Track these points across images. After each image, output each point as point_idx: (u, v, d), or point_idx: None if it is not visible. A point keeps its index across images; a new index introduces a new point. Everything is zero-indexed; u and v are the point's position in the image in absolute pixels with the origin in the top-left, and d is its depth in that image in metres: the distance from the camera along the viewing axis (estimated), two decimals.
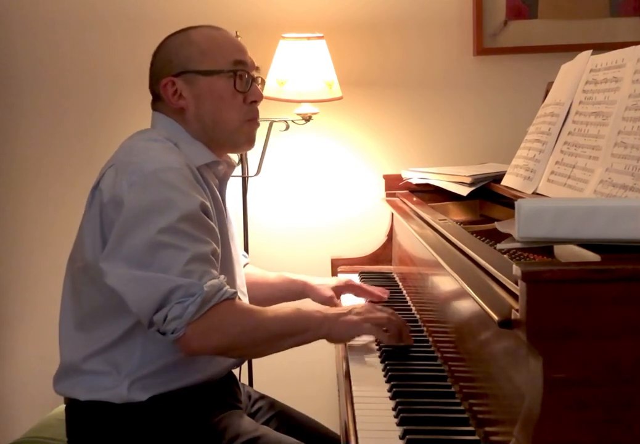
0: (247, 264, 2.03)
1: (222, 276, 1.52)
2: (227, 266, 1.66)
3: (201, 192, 1.58)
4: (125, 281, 1.48)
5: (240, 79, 1.67)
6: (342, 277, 2.12)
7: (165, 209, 1.49)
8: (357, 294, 2.03)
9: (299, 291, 2.01)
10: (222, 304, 1.48)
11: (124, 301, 1.51)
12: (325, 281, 2.05)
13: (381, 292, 2.01)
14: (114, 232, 1.51)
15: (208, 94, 1.65)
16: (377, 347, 1.66)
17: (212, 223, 1.57)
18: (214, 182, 1.69)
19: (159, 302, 1.45)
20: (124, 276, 1.48)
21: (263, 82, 1.77)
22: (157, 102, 1.71)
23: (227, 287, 1.51)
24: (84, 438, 1.63)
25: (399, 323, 1.63)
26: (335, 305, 1.95)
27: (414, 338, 1.65)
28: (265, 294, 1.99)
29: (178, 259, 1.46)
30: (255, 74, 1.71)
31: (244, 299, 1.79)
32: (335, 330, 1.57)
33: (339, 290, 2.02)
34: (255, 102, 1.70)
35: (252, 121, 1.71)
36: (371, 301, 1.93)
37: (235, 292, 1.52)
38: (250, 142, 1.72)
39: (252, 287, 1.92)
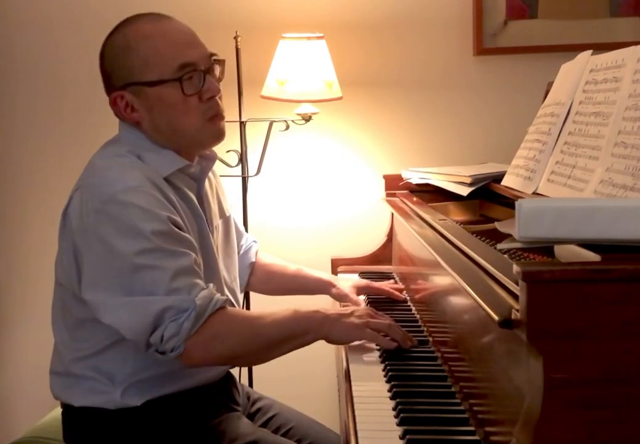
0: (252, 247, 2.03)
1: (211, 284, 1.51)
2: (209, 269, 1.64)
3: (166, 206, 1.52)
4: (113, 310, 1.46)
5: (189, 81, 1.57)
6: (362, 280, 2.15)
7: (134, 232, 1.46)
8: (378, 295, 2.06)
9: (317, 287, 2.03)
10: (217, 314, 1.48)
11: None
12: (346, 279, 2.09)
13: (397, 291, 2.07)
14: (89, 263, 1.49)
15: (158, 104, 1.57)
16: (377, 347, 1.66)
17: (185, 234, 1.53)
18: (187, 185, 1.64)
19: (152, 324, 1.44)
20: (111, 306, 1.46)
21: (222, 63, 1.65)
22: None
23: (218, 295, 1.50)
24: (80, 441, 1.62)
25: (400, 330, 1.63)
26: (353, 301, 1.97)
27: (414, 338, 1.65)
28: (282, 285, 2.02)
29: (161, 279, 1.45)
30: (210, 62, 1.60)
31: (235, 297, 1.79)
32: (336, 331, 1.57)
33: (359, 291, 2.04)
34: (213, 97, 1.60)
35: (215, 118, 1.61)
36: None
37: (226, 300, 1.51)
38: (218, 137, 1.63)
39: (270, 277, 1.96)
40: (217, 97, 1.61)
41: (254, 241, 2.04)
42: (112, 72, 1.61)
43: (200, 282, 1.49)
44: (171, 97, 1.57)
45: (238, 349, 1.51)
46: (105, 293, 1.46)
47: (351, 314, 1.61)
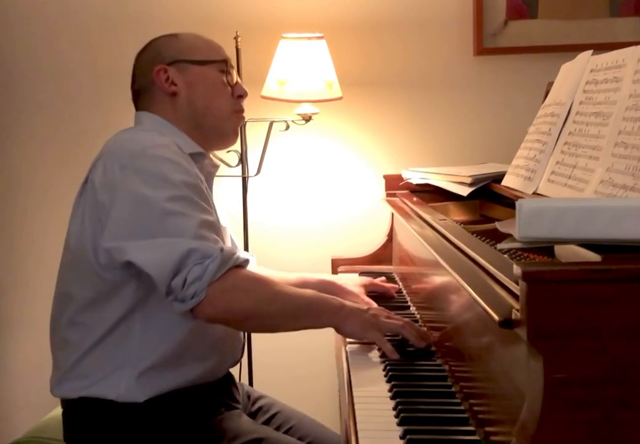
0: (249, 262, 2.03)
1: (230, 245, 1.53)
2: None
3: (193, 166, 1.59)
4: (139, 249, 1.46)
5: (229, 74, 1.74)
6: (364, 278, 2.14)
7: (164, 181, 1.49)
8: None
9: (321, 289, 2.00)
10: (238, 268, 1.48)
11: (112, 288, 1.52)
12: (349, 278, 2.09)
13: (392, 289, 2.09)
14: (115, 215, 1.49)
15: (201, 81, 1.71)
16: (377, 347, 1.66)
17: (208, 197, 1.58)
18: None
19: (176, 265, 1.43)
20: (136, 245, 1.46)
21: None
22: (141, 99, 1.73)
23: (240, 253, 1.51)
24: (81, 439, 1.62)
25: (413, 329, 1.62)
26: (363, 301, 1.96)
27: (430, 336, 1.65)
28: None
29: (189, 224, 1.46)
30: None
31: None
32: (350, 323, 1.58)
33: (364, 289, 2.04)
34: (241, 97, 1.77)
35: (239, 113, 1.77)
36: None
37: (247, 260, 1.52)
38: (235, 134, 1.78)
39: None
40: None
41: (251, 255, 2.04)
42: (157, 55, 1.71)
43: (221, 241, 1.51)
44: (214, 78, 1.72)
45: (255, 307, 1.50)
46: (132, 237, 1.47)
47: (367, 310, 1.62)
